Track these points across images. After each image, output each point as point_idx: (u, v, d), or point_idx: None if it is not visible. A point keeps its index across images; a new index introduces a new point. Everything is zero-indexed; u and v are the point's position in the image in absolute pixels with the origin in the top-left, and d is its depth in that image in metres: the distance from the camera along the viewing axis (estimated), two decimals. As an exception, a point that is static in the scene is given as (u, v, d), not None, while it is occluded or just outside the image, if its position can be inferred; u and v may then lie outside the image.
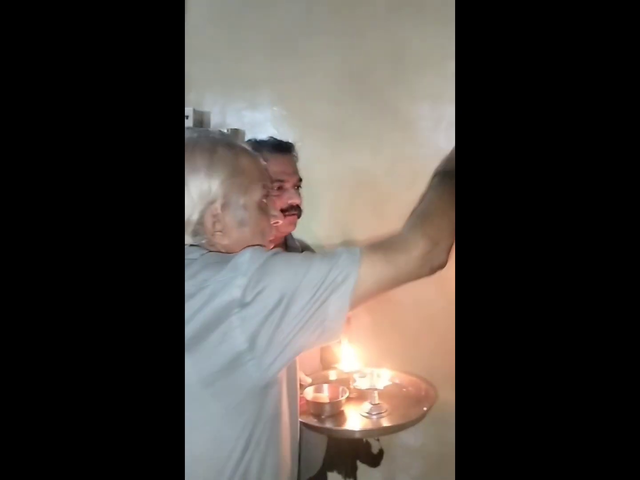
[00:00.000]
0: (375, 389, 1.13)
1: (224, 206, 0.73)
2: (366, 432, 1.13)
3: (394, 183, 1.59)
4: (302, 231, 1.34)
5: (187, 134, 0.75)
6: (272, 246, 0.82)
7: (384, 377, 1.18)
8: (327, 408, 1.13)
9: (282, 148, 1.21)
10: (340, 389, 1.17)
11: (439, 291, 1.24)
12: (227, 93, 1.80)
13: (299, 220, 1.24)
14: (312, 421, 1.09)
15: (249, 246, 0.69)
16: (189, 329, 0.61)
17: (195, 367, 0.61)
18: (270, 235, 0.82)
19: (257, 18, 1.72)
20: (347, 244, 1.64)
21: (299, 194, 1.23)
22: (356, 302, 0.63)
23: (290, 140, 1.27)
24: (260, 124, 1.77)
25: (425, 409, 1.11)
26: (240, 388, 0.64)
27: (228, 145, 0.76)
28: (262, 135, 1.29)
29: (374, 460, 1.51)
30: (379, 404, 1.13)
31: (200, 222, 0.72)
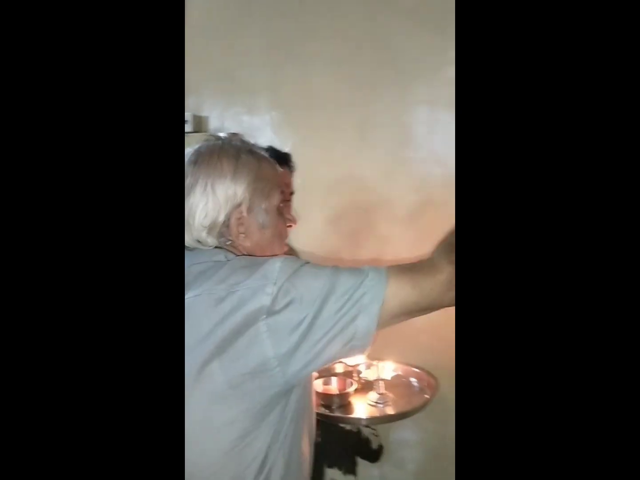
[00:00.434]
0: (382, 379, 1.21)
1: (249, 209, 0.76)
2: (373, 419, 1.21)
3: (390, 189, 1.64)
4: (300, 235, 1.37)
5: (211, 142, 0.79)
6: (286, 248, 0.88)
7: (388, 369, 1.25)
8: (337, 399, 1.20)
9: (280, 159, 1.27)
10: (348, 380, 1.25)
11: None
12: (226, 98, 1.84)
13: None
14: (323, 412, 1.16)
15: (277, 254, 0.73)
16: (219, 332, 0.63)
17: (223, 369, 0.63)
18: (286, 237, 0.88)
19: (256, 24, 1.75)
20: (343, 249, 1.70)
21: (290, 207, 1.27)
22: (382, 323, 0.64)
23: (289, 145, 1.31)
24: (259, 128, 1.81)
25: (427, 396, 1.19)
26: (266, 390, 0.65)
27: (250, 152, 0.80)
28: (261, 140, 1.33)
29: (374, 455, 1.56)
30: (384, 393, 1.21)
31: (226, 224, 0.75)
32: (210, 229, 0.74)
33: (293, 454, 0.72)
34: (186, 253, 0.74)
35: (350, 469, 1.56)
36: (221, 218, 0.74)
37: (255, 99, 1.81)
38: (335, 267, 0.67)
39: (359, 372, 1.28)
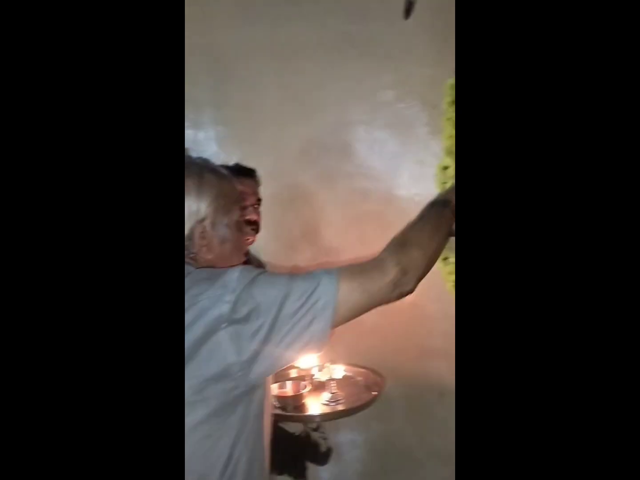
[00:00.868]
0: (334, 379, 1.29)
1: (212, 224, 0.81)
2: (325, 415, 1.29)
3: (331, 202, 1.74)
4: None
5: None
6: (244, 259, 0.94)
7: (339, 370, 1.34)
8: (291, 401, 1.27)
9: (245, 173, 1.36)
10: (302, 383, 1.32)
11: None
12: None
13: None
14: (279, 413, 1.23)
15: (235, 265, 0.77)
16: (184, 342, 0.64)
17: (188, 377, 0.65)
18: (245, 250, 0.95)
19: (200, 40, 1.79)
20: (290, 258, 1.77)
21: (258, 212, 1.37)
22: (336, 324, 0.69)
23: (234, 159, 1.40)
24: (203, 142, 1.84)
25: (374, 393, 1.29)
26: (229, 393, 0.68)
27: (212, 170, 0.85)
28: (206, 154, 1.39)
29: (322, 458, 1.58)
30: (336, 392, 1.30)
31: (190, 237, 0.80)
32: None
33: (255, 451, 0.75)
34: None
35: (301, 474, 1.57)
36: (185, 232, 0.79)
37: (200, 114, 1.84)
38: (290, 274, 0.72)
39: (312, 375, 1.36)
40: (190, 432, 0.67)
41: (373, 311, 0.72)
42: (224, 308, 0.66)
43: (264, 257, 1.67)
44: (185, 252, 0.80)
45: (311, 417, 1.27)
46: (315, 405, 1.28)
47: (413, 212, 1.60)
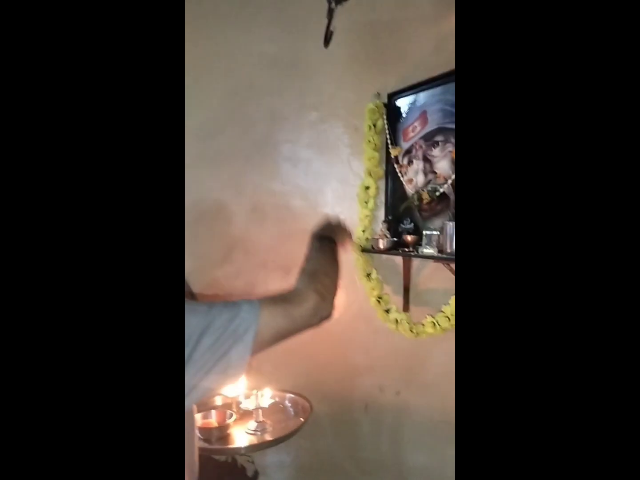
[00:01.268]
0: (260, 408, 1.27)
1: None
2: (252, 447, 1.26)
3: (256, 218, 1.73)
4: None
5: None
6: None
7: (266, 396, 1.32)
8: (216, 432, 1.24)
9: None
10: (227, 412, 1.29)
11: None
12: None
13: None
14: (203, 446, 1.19)
15: None
16: None
17: None
18: None
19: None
20: (211, 277, 1.73)
21: None
22: (256, 350, 0.69)
23: None
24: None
25: (302, 419, 1.29)
26: None
27: None
28: None
29: None
30: (262, 421, 1.28)
31: None
32: None
33: None
34: None
35: (228, 500, 1.57)
36: None
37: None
38: (211, 302, 0.73)
39: (239, 403, 1.33)
40: None
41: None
42: None
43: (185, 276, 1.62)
44: None
45: (237, 449, 1.24)
46: (241, 435, 1.25)
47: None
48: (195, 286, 1.60)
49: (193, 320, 0.68)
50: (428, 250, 1.24)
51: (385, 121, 1.45)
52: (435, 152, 1.32)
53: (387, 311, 1.42)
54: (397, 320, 1.38)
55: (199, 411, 1.29)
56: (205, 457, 1.34)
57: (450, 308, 1.20)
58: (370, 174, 1.50)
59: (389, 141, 1.46)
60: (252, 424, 1.27)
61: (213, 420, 1.29)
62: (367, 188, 1.51)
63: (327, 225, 1.01)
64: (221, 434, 1.24)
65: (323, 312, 0.75)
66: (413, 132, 1.41)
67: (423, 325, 1.29)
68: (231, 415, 1.28)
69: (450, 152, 1.27)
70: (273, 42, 1.63)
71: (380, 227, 1.43)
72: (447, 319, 1.21)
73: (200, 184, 1.71)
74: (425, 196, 1.31)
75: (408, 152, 1.43)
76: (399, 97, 1.45)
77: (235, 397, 1.35)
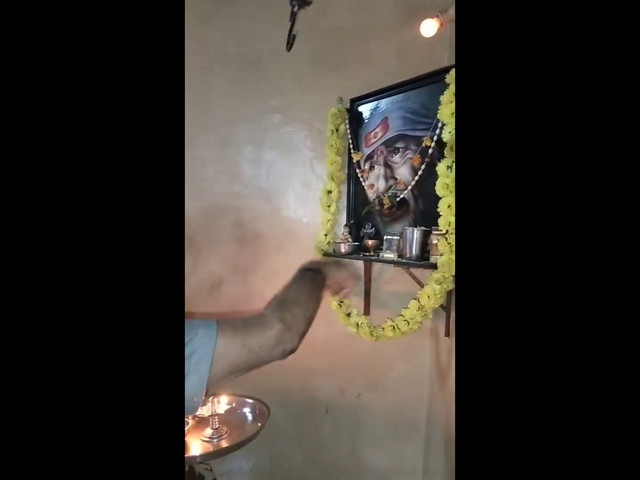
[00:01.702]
0: (216, 414, 1.25)
1: None
2: (208, 455, 1.23)
3: (220, 223, 1.70)
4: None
5: None
6: None
7: (223, 402, 1.29)
8: (170, 440, 1.20)
9: None
10: (182, 420, 1.25)
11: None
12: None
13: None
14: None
15: None
16: None
17: None
18: None
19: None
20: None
21: None
22: (212, 383, 0.62)
23: None
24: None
25: (260, 424, 1.27)
26: None
27: None
28: None
29: None
30: (219, 427, 1.25)
31: None
32: None
33: None
34: None
35: (186, 509, 1.53)
36: None
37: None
38: None
39: (194, 410, 1.30)
40: None
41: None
42: None
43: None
44: None
45: (192, 458, 1.20)
46: (197, 443, 1.22)
47: (301, 233, 1.62)
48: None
49: None
50: (389, 255, 1.25)
51: (348, 126, 1.46)
52: (396, 158, 1.34)
53: (348, 315, 1.42)
54: (357, 324, 1.38)
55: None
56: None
57: (409, 312, 1.21)
58: (332, 178, 1.50)
59: (351, 146, 1.46)
60: (208, 431, 1.24)
61: (167, 427, 1.25)
62: (330, 192, 1.51)
63: (314, 261, 0.96)
64: (176, 442, 1.20)
65: (287, 344, 0.69)
66: (375, 138, 1.42)
67: (383, 329, 1.29)
68: (187, 424, 1.25)
69: (410, 158, 1.28)
70: (237, 42, 1.61)
71: (342, 230, 1.43)
72: (406, 322, 1.22)
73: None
74: (386, 201, 1.32)
75: (370, 157, 1.44)
76: (362, 103, 1.47)
77: (191, 404, 1.32)
